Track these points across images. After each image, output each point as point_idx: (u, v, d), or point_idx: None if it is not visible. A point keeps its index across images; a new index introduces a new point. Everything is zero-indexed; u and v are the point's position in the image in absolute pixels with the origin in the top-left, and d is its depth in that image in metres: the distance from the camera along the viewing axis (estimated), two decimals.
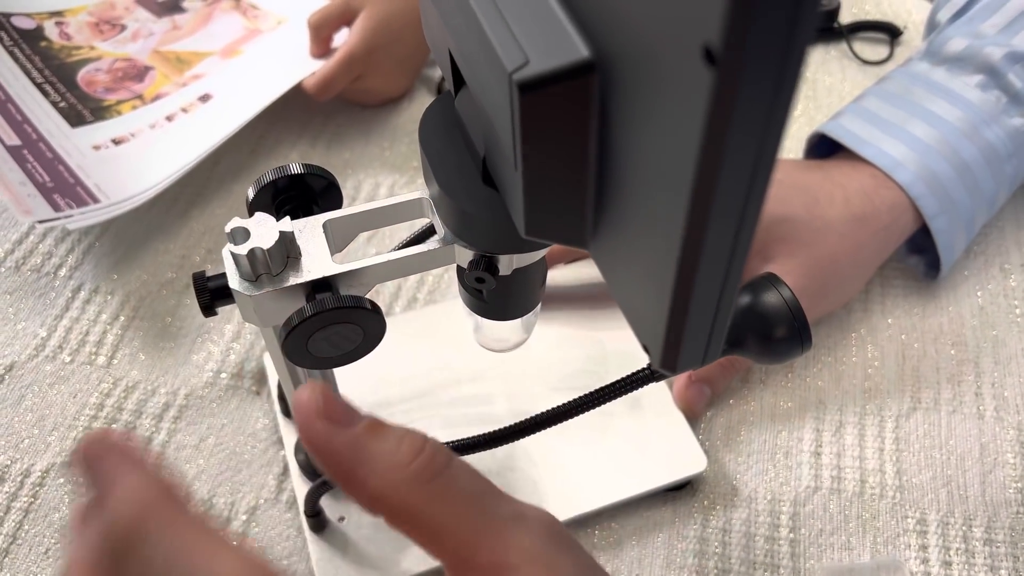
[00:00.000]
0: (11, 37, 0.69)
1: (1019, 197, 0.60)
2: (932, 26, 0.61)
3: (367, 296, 0.32)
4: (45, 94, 0.65)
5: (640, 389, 0.35)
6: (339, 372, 0.41)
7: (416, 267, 0.33)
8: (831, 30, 0.73)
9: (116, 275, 0.57)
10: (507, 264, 0.32)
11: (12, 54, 0.68)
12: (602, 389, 0.35)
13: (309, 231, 0.32)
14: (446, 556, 0.24)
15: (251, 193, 0.34)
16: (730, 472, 0.48)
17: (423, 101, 0.69)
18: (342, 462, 0.24)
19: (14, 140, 0.60)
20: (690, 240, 0.19)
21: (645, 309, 0.23)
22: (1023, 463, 0.49)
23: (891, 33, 0.73)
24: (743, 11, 0.14)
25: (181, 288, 0.56)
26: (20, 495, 0.47)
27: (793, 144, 0.63)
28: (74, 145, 0.61)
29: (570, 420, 0.36)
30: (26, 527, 0.46)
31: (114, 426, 0.50)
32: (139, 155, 0.61)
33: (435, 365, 0.50)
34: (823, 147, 0.57)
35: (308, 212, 0.34)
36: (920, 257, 0.57)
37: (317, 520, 0.44)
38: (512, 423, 0.36)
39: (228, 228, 0.30)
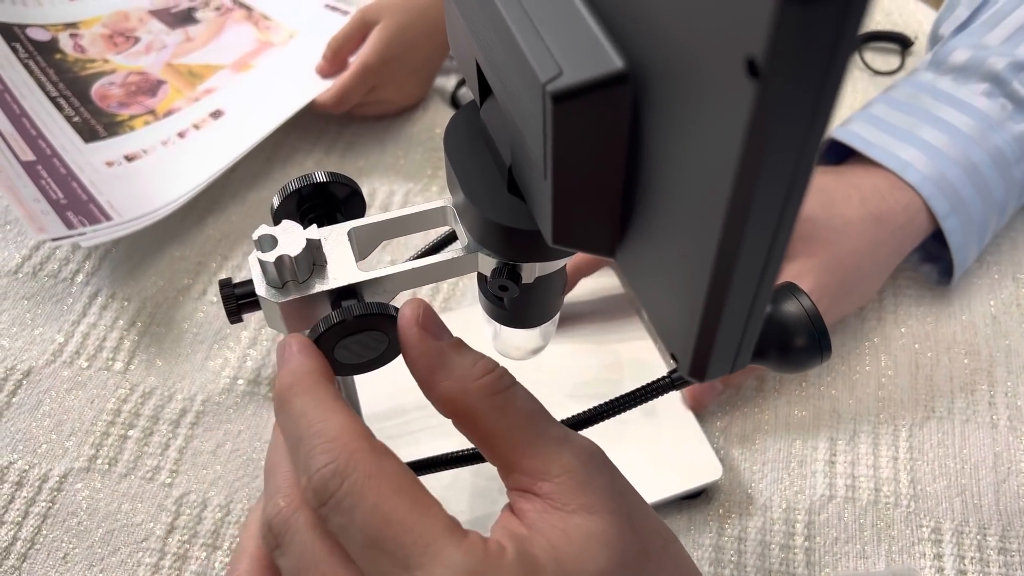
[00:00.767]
0: (26, 49, 0.69)
1: None
2: (935, 39, 0.62)
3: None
4: (59, 108, 0.65)
5: (656, 398, 0.35)
6: (356, 379, 0.41)
7: (440, 275, 0.33)
8: None
9: (133, 281, 0.57)
10: (530, 272, 0.32)
11: (27, 67, 0.68)
12: (622, 397, 0.35)
13: (334, 239, 0.33)
14: (497, 458, 0.28)
15: (276, 201, 0.34)
16: (745, 480, 0.48)
17: (437, 110, 0.69)
18: (426, 364, 0.28)
19: (29, 156, 0.60)
20: (725, 250, 0.19)
21: (675, 317, 0.23)
22: None
23: (902, 44, 0.73)
24: (790, 23, 0.14)
25: (198, 294, 0.56)
26: (38, 500, 0.47)
27: None
28: (87, 161, 0.61)
29: (586, 429, 0.36)
30: (44, 532, 0.46)
31: (130, 432, 0.50)
32: (151, 173, 0.61)
33: None
34: (832, 155, 0.57)
35: (332, 220, 0.34)
36: (933, 265, 0.57)
37: None
38: None
39: (256, 235, 0.31)
